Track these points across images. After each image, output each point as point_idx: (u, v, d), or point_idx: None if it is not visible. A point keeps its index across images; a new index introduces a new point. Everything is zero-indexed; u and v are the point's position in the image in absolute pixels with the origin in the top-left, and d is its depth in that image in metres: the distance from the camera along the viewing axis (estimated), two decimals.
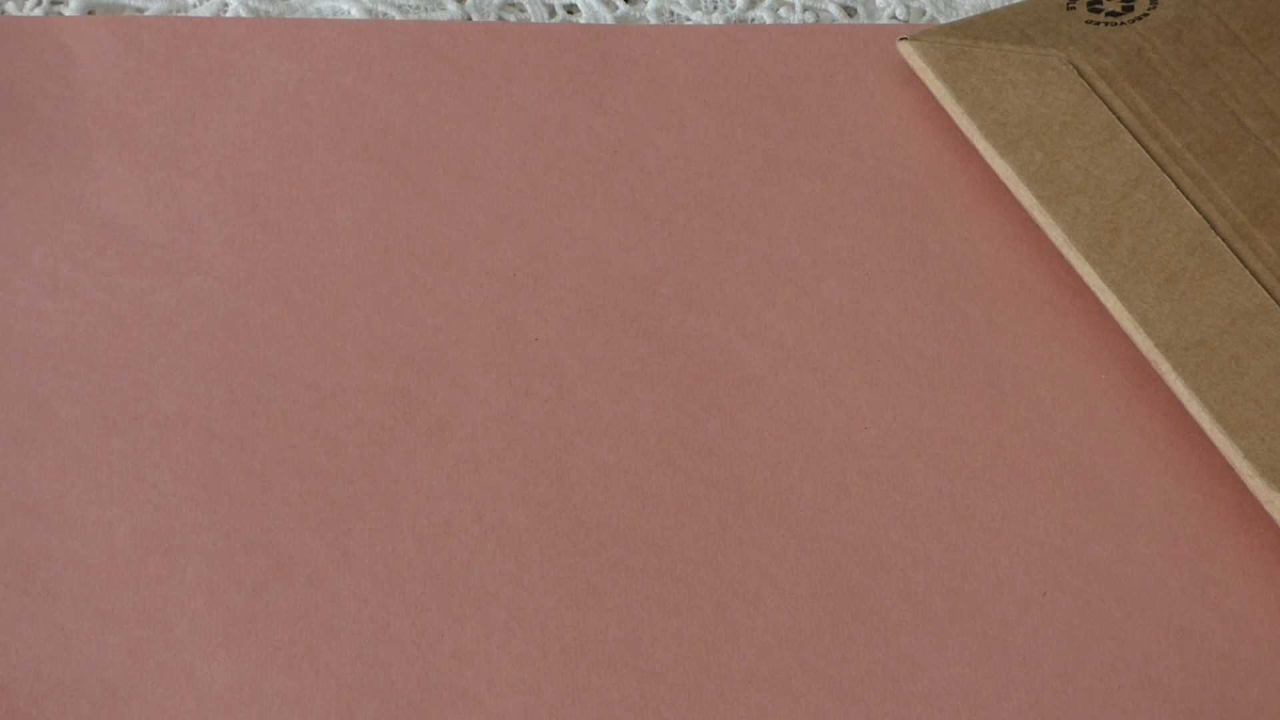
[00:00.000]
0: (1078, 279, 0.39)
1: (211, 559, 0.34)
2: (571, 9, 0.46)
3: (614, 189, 0.41)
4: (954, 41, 0.42)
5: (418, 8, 0.46)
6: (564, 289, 0.39)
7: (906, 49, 0.43)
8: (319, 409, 0.36)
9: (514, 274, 0.39)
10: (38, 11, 0.44)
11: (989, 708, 0.33)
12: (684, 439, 0.36)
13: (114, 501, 0.35)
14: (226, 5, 0.45)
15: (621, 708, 0.32)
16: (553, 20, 0.46)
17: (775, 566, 0.34)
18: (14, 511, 0.34)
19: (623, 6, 0.46)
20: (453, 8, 0.46)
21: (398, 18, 0.45)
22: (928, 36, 0.43)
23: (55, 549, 0.34)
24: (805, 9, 0.46)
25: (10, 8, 0.45)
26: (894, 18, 0.46)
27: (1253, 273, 0.37)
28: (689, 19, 0.46)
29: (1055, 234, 0.38)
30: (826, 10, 0.46)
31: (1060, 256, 0.40)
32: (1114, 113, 0.40)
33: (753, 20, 0.46)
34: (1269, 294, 0.36)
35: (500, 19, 0.46)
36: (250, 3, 0.45)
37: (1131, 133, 0.40)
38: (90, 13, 0.45)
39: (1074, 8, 0.43)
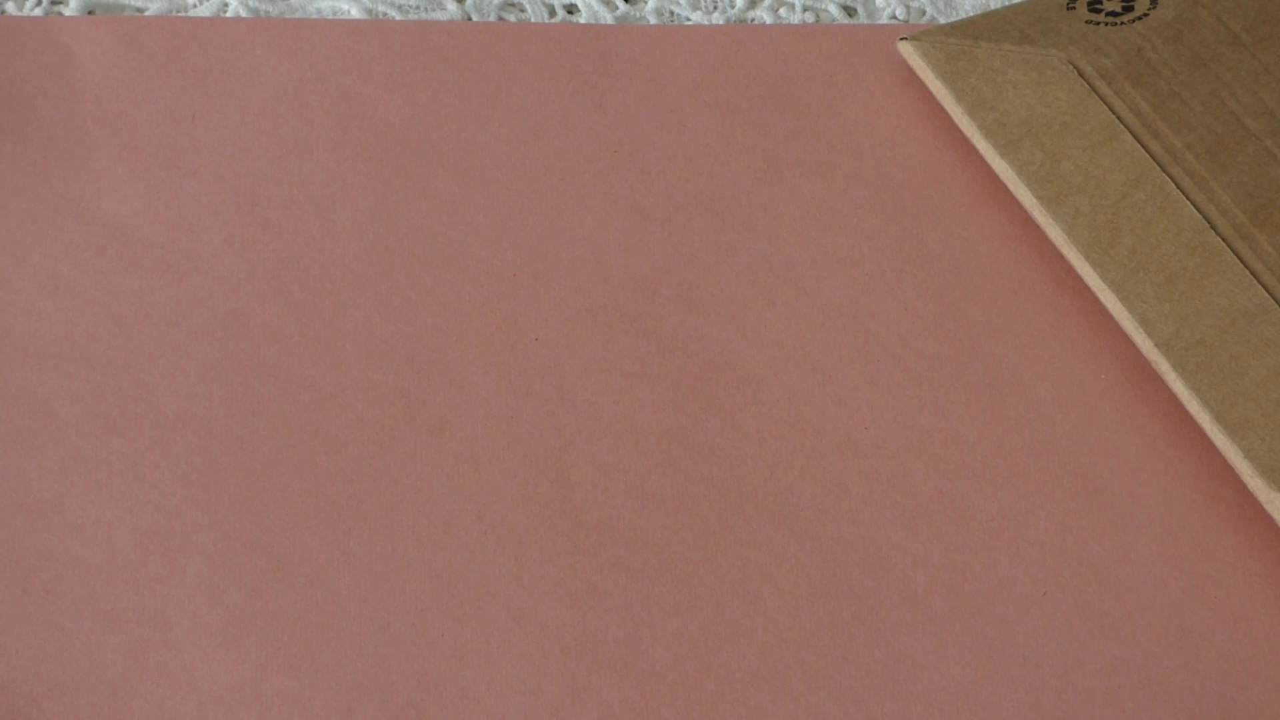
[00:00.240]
0: (1078, 279, 0.39)
1: (211, 559, 0.34)
2: (571, 9, 0.46)
3: (614, 189, 0.41)
4: (954, 41, 0.42)
5: (418, 8, 0.46)
6: (564, 289, 0.39)
7: (906, 49, 0.43)
8: (319, 409, 0.36)
9: (514, 274, 0.39)
10: (38, 11, 0.44)
11: (989, 708, 0.33)
12: (684, 439, 0.36)
13: (114, 501, 0.35)
14: (226, 5, 0.45)
15: (621, 708, 0.32)
16: (553, 20, 0.46)
17: (775, 566, 0.34)
18: (14, 511, 0.34)
19: (623, 6, 0.46)
20: (453, 8, 0.46)
21: (398, 18, 0.45)
22: (928, 36, 0.43)
23: (55, 549, 0.34)
24: (805, 9, 0.46)
25: (10, 8, 0.45)
26: (894, 18, 0.46)
27: (1253, 273, 0.37)
28: (689, 19, 0.46)
29: (1055, 234, 0.38)
30: (826, 10, 0.46)
31: (1060, 256, 0.40)
32: (1114, 113, 0.40)
33: (753, 20, 0.46)
34: (1269, 294, 0.36)
35: (500, 19, 0.46)
36: (250, 3, 0.45)
37: (1131, 133, 0.40)
38: (90, 13, 0.45)
39: (1074, 8, 0.43)
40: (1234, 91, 0.40)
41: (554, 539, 0.35)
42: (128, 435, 0.36)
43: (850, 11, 0.47)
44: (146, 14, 0.45)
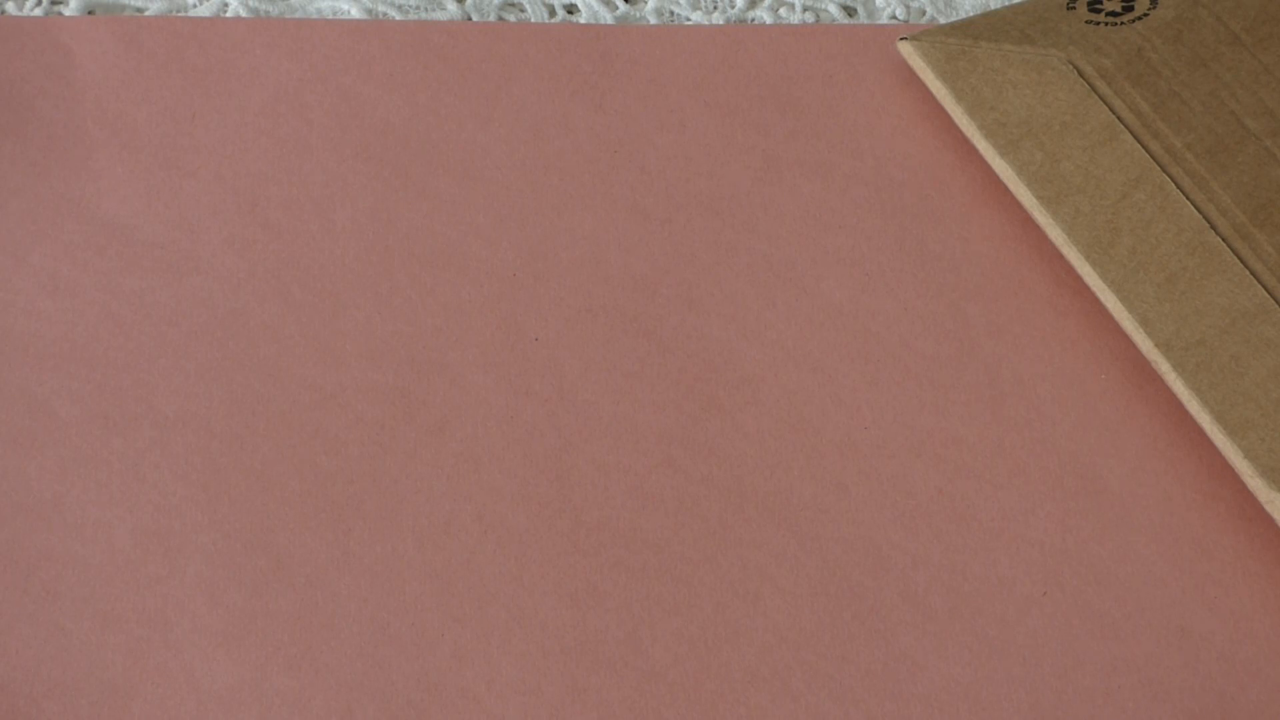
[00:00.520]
0: (1078, 279, 0.39)
1: (211, 559, 0.34)
2: (571, 9, 0.46)
3: (614, 189, 0.41)
4: (954, 41, 0.42)
5: (418, 8, 0.46)
6: (564, 289, 0.39)
7: (906, 49, 0.43)
8: (319, 409, 0.36)
9: (514, 274, 0.39)
10: (38, 11, 0.44)
11: (989, 708, 0.33)
12: (684, 439, 0.36)
13: (114, 501, 0.35)
14: (226, 5, 0.45)
15: (621, 708, 0.32)
16: (553, 20, 0.46)
17: (775, 566, 0.34)
18: (14, 511, 0.34)
19: (623, 6, 0.46)
20: (453, 8, 0.46)
21: (398, 18, 0.45)
22: (928, 36, 0.43)
23: (55, 549, 0.34)
24: (805, 9, 0.46)
25: (10, 8, 0.45)
26: (894, 18, 0.46)
27: (1253, 273, 0.37)
28: (689, 19, 0.46)
29: (1055, 234, 0.38)
30: (826, 10, 0.46)
31: (1060, 256, 0.40)
32: (1114, 113, 0.40)
33: (753, 20, 0.46)
34: (1269, 294, 0.36)
35: (500, 19, 0.46)
36: (250, 3, 0.45)
37: (1131, 133, 0.40)
38: (90, 13, 0.45)
39: (1074, 8, 0.43)
40: (1234, 91, 0.40)
41: (554, 539, 0.35)
42: (128, 435, 0.36)
43: (850, 11, 0.47)
44: (146, 14, 0.45)
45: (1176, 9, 0.42)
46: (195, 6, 0.45)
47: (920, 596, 0.34)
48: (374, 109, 0.42)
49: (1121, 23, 0.42)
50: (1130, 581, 0.34)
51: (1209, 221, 0.38)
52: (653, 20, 0.46)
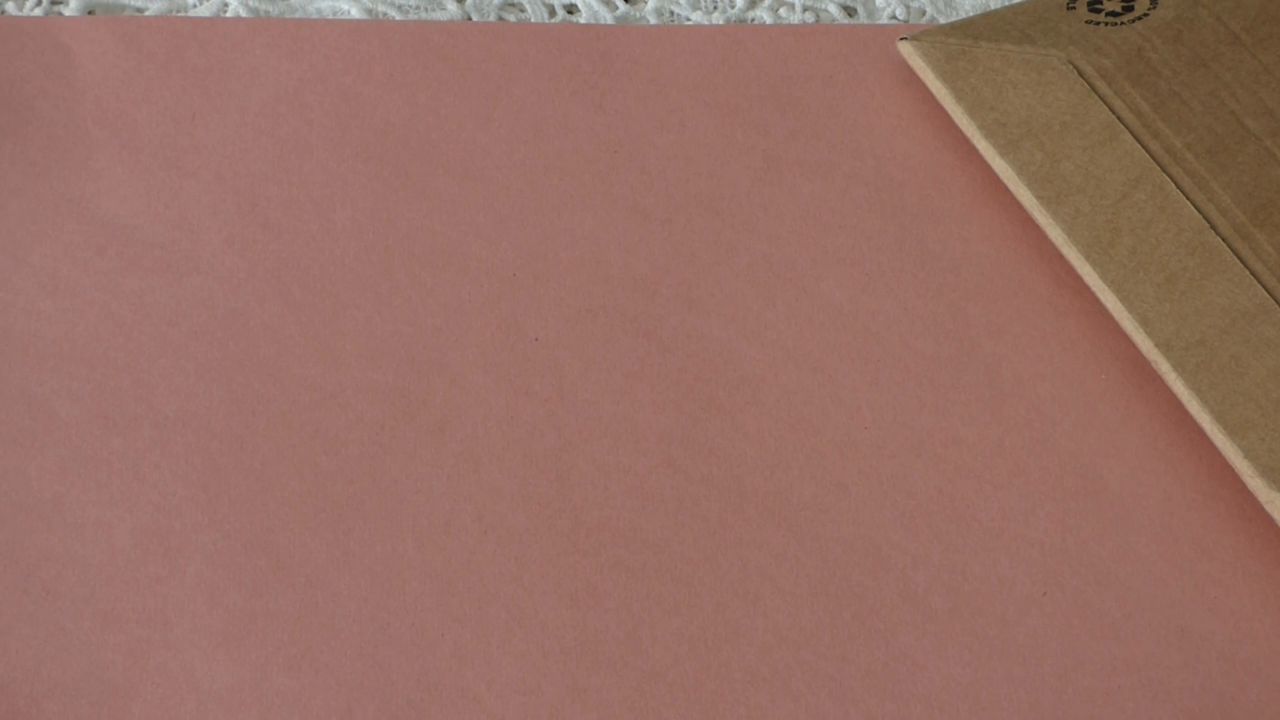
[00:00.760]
0: (1078, 279, 0.39)
1: (211, 559, 0.34)
2: (571, 9, 0.46)
3: (614, 189, 0.41)
4: (954, 41, 0.42)
5: (418, 8, 0.46)
6: (564, 289, 0.39)
7: (906, 49, 0.43)
8: (319, 409, 0.36)
9: (514, 274, 0.39)
10: (38, 11, 0.44)
11: (989, 708, 0.33)
12: (684, 439, 0.36)
13: (114, 501, 0.35)
14: (226, 5, 0.45)
15: (621, 708, 0.32)
16: (553, 20, 0.46)
17: (775, 566, 0.34)
18: (14, 511, 0.34)
19: (623, 6, 0.46)
20: (453, 8, 0.46)
21: (398, 18, 0.45)
22: (928, 36, 0.43)
23: (55, 549, 0.34)
24: (805, 9, 0.46)
25: (10, 8, 0.45)
26: (894, 18, 0.46)
27: (1253, 273, 0.37)
28: (689, 19, 0.46)
29: (1055, 234, 0.38)
30: (826, 10, 0.46)
31: (1060, 256, 0.40)
32: (1114, 113, 0.40)
33: (753, 20, 0.46)
34: (1269, 294, 0.36)
35: (500, 19, 0.46)
36: (250, 3, 0.45)
37: (1131, 133, 0.40)
38: (90, 13, 0.45)
39: (1074, 8, 0.43)
40: (1234, 91, 0.40)
41: (554, 539, 0.35)
42: (128, 435, 0.36)
43: (850, 11, 0.47)
44: (146, 14, 0.45)
45: (1176, 9, 0.42)
46: (195, 6, 0.45)
47: (920, 596, 0.34)
48: (374, 109, 0.42)
49: (1121, 23, 0.42)
50: (1130, 581, 0.34)
51: (1209, 221, 0.38)
52: (653, 20, 0.46)
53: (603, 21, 0.46)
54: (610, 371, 0.37)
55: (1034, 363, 0.38)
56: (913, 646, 0.33)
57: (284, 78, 0.43)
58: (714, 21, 0.46)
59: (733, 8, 0.46)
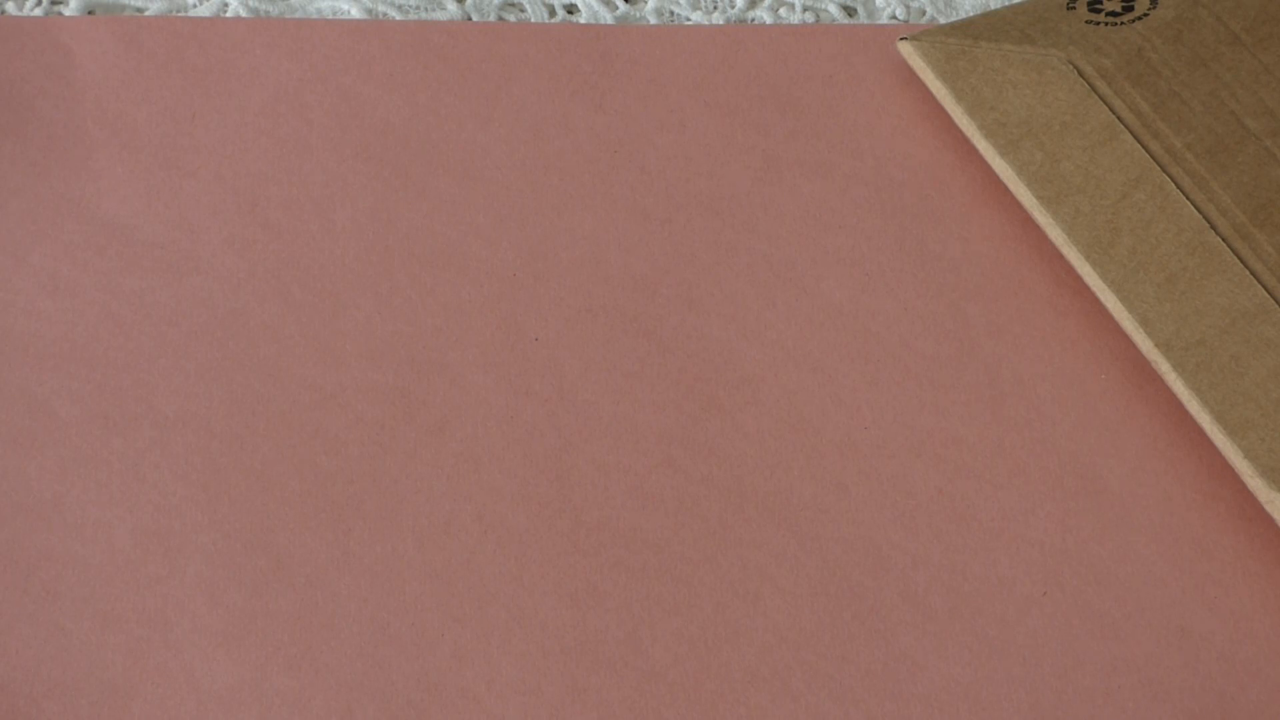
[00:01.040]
0: (1078, 279, 0.39)
1: (211, 559, 0.34)
2: (571, 9, 0.46)
3: (614, 189, 0.41)
4: (954, 41, 0.42)
5: (418, 8, 0.46)
6: (564, 289, 0.39)
7: (906, 49, 0.43)
8: (319, 409, 0.36)
9: (514, 274, 0.39)
10: (38, 11, 0.44)
11: (989, 708, 0.33)
12: (684, 439, 0.36)
13: (114, 501, 0.35)
14: (226, 5, 0.45)
15: (621, 708, 0.32)
16: (553, 20, 0.46)
17: (775, 566, 0.34)
18: (14, 511, 0.34)
19: (623, 6, 0.46)
20: (453, 8, 0.46)
21: (398, 18, 0.45)
22: (928, 36, 0.43)
23: (55, 549, 0.34)
24: (805, 9, 0.46)
25: (10, 8, 0.45)
26: (894, 18, 0.46)
27: (1253, 273, 0.37)
28: (689, 19, 0.46)
29: (1055, 234, 0.38)
30: (826, 10, 0.46)
31: (1060, 256, 0.40)
32: (1114, 113, 0.40)
33: (753, 20, 0.46)
34: (1269, 294, 0.36)
35: (500, 19, 0.46)
36: (250, 3, 0.45)
37: (1131, 133, 0.40)
38: (90, 13, 0.45)
39: (1074, 8, 0.43)
40: (1234, 91, 0.40)
41: (554, 539, 0.35)
42: (128, 435, 0.36)
43: (850, 11, 0.47)
44: (146, 14, 0.45)
45: (1176, 9, 0.42)
46: (195, 6, 0.45)
47: (920, 596, 0.34)
48: (374, 109, 0.42)
49: (1121, 23, 0.42)
50: (1130, 581, 0.34)
51: (1209, 221, 0.38)
52: (653, 20, 0.46)
53: (603, 21, 0.46)
54: (610, 371, 0.37)
55: (1034, 363, 0.38)
56: (913, 646, 0.33)
57: (284, 78, 0.43)
58: (714, 21, 0.46)
59: (733, 8, 0.46)
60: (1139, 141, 0.39)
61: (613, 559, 0.34)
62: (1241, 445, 0.34)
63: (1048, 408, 0.37)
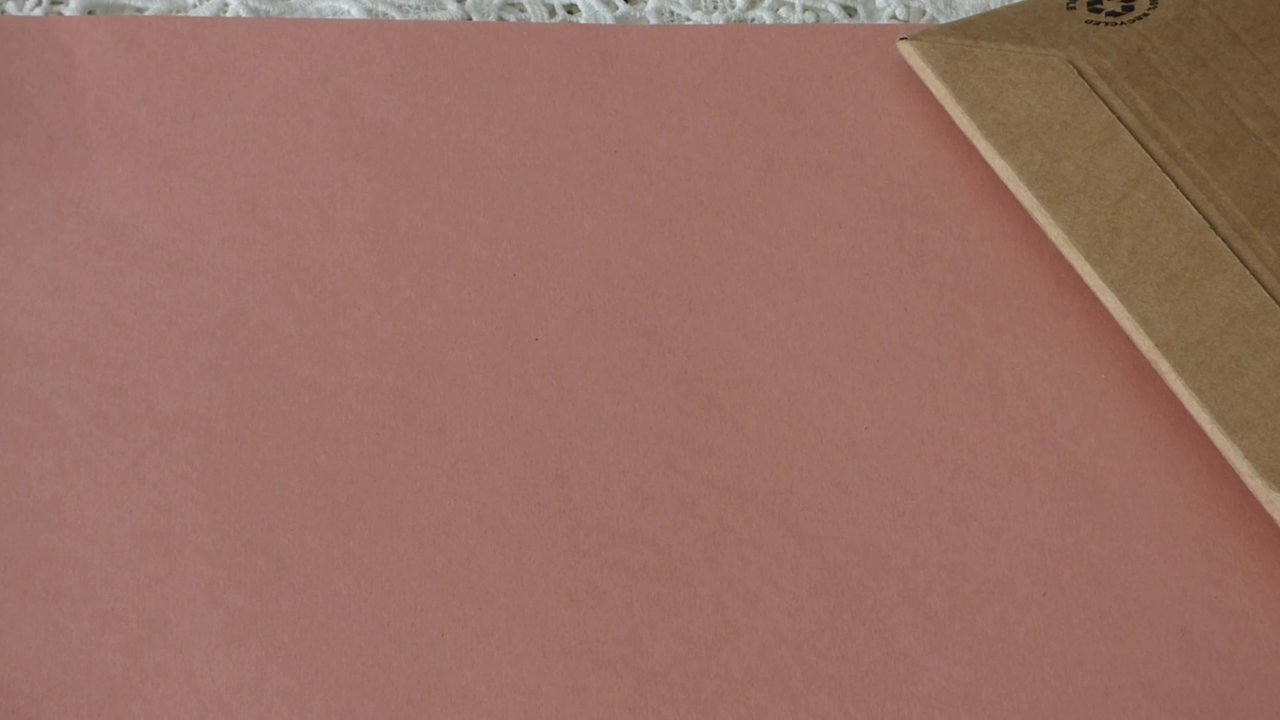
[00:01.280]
0: (1078, 279, 0.39)
1: (211, 559, 0.34)
2: (571, 9, 0.46)
3: (614, 189, 0.41)
4: (954, 41, 0.42)
5: (418, 8, 0.46)
6: (564, 289, 0.39)
7: (906, 49, 0.43)
8: (319, 409, 0.36)
9: (514, 274, 0.39)
10: (38, 11, 0.44)
11: (989, 708, 0.33)
12: (684, 439, 0.36)
13: (114, 501, 0.35)
14: (226, 5, 0.45)
15: (621, 708, 0.32)
16: (553, 20, 0.46)
17: (775, 566, 0.34)
18: (14, 511, 0.34)
19: (623, 6, 0.46)
20: (453, 8, 0.46)
21: (398, 18, 0.45)
22: (928, 36, 0.43)
23: (55, 549, 0.34)
24: (805, 9, 0.46)
25: (10, 8, 0.45)
26: (894, 18, 0.46)
27: (1253, 273, 0.37)
28: (689, 19, 0.46)
29: (1055, 234, 0.38)
30: (826, 10, 0.46)
31: (1060, 256, 0.40)
32: (1114, 113, 0.40)
33: (753, 20, 0.46)
34: (1269, 294, 0.36)
35: (500, 19, 0.46)
36: (250, 3, 0.45)
37: (1131, 133, 0.40)
38: (90, 13, 0.45)
39: (1074, 8, 0.43)
40: (1234, 91, 0.40)
41: (554, 539, 0.35)
42: (128, 435, 0.36)
43: (850, 11, 0.47)
44: (146, 14, 0.45)
45: (1176, 9, 0.42)
46: (195, 6, 0.45)
47: (920, 596, 0.34)
48: (374, 109, 0.42)
49: (1121, 23, 0.42)
50: (1130, 581, 0.34)
51: (1209, 221, 0.38)
52: (653, 20, 0.46)
53: (603, 21, 0.46)
54: (610, 371, 0.37)
55: (1034, 363, 0.38)
56: (913, 646, 0.33)
57: (284, 78, 0.43)
58: (714, 21, 0.46)
59: (733, 8, 0.46)
60: (1139, 141, 0.39)
61: (613, 559, 0.34)
62: (1241, 445, 0.34)
63: (1048, 408, 0.37)
